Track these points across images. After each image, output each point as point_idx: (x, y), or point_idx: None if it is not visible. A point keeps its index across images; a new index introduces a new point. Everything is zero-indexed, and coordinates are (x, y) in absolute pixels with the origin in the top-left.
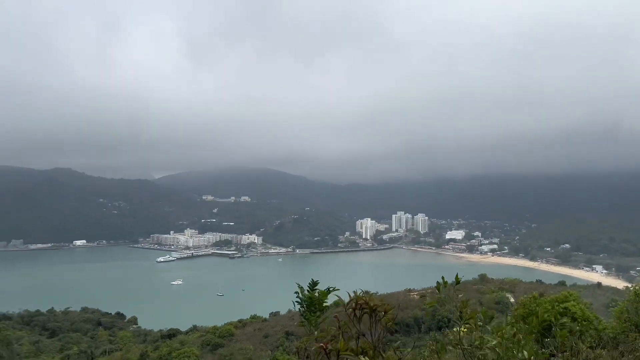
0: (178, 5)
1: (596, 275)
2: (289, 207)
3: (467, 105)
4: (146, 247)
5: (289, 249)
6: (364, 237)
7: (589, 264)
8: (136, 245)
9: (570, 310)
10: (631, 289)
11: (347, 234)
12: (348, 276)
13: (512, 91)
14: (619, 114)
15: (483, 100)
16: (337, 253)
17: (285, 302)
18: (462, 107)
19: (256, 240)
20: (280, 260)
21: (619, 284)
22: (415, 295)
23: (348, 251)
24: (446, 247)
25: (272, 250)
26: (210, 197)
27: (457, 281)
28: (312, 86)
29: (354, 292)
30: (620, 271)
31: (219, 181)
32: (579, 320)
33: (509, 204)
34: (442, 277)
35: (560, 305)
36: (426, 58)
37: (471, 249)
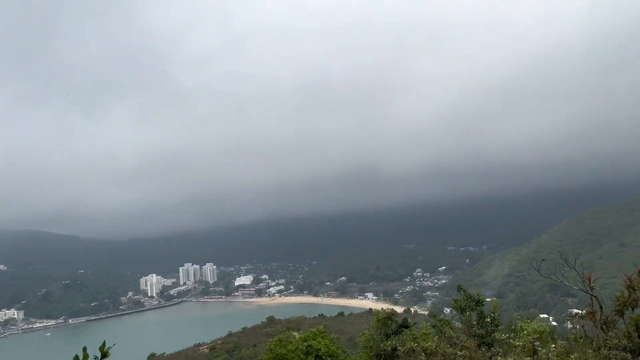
0: None
1: (369, 302)
2: (58, 272)
3: (253, 154)
4: None
5: (60, 320)
6: (149, 294)
7: (362, 292)
8: None
9: (314, 347)
10: (374, 316)
11: (130, 294)
12: (133, 341)
13: (294, 140)
14: (378, 160)
15: (268, 149)
16: (119, 317)
17: None
18: (248, 156)
19: (16, 316)
20: (48, 334)
21: (387, 307)
22: (205, 349)
23: (132, 313)
24: (236, 294)
25: (38, 325)
26: None
27: (104, 353)
28: (92, 136)
29: None
30: (387, 295)
31: None
32: (324, 357)
33: (292, 245)
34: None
35: (304, 343)
36: (215, 107)
37: (260, 293)
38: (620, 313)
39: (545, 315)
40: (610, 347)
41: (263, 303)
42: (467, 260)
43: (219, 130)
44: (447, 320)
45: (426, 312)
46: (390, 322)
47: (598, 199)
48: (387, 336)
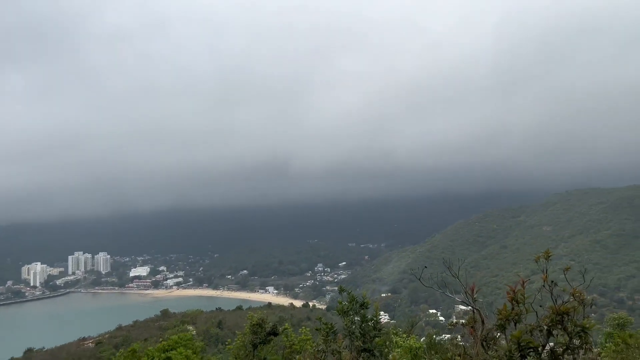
0: None
1: (269, 296)
2: None
3: (161, 140)
4: None
5: None
6: (32, 284)
7: (263, 286)
8: None
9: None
10: (248, 321)
11: (10, 283)
12: (8, 334)
13: (206, 129)
14: (290, 155)
15: (178, 136)
16: None
17: None
18: (156, 141)
19: None
20: None
21: (287, 301)
22: (90, 344)
23: (10, 303)
24: (130, 285)
25: None
26: None
27: None
28: None
29: None
30: (287, 290)
31: None
32: None
33: (194, 237)
34: None
35: (162, 355)
36: (126, 88)
37: (157, 285)
38: (502, 328)
39: (434, 311)
40: None
41: (159, 295)
42: (366, 257)
43: (127, 112)
44: (331, 324)
45: (324, 306)
46: (260, 329)
47: (487, 204)
48: (255, 346)
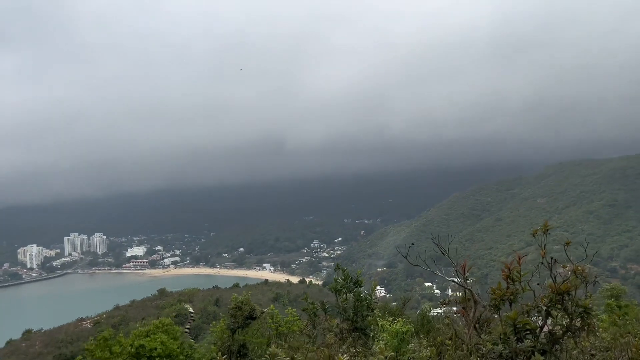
0: None
1: (266, 273)
2: None
3: (155, 118)
4: None
5: None
6: (29, 266)
7: (260, 263)
8: None
9: (146, 347)
10: (232, 303)
11: (6, 265)
12: (6, 315)
13: (201, 106)
14: (286, 131)
15: (172, 114)
16: None
17: None
18: (150, 120)
19: None
20: None
21: (283, 277)
22: (88, 324)
23: (7, 286)
24: (127, 265)
25: None
26: None
27: None
28: None
29: None
30: (284, 266)
31: None
32: (158, 359)
33: (190, 215)
34: None
35: (136, 342)
36: (120, 66)
37: (153, 264)
38: (497, 309)
39: (429, 284)
40: (483, 355)
41: (157, 275)
42: (362, 232)
43: (121, 91)
44: (321, 303)
45: (321, 282)
46: (239, 312)
47: (482, 177)
48: (233, 331)
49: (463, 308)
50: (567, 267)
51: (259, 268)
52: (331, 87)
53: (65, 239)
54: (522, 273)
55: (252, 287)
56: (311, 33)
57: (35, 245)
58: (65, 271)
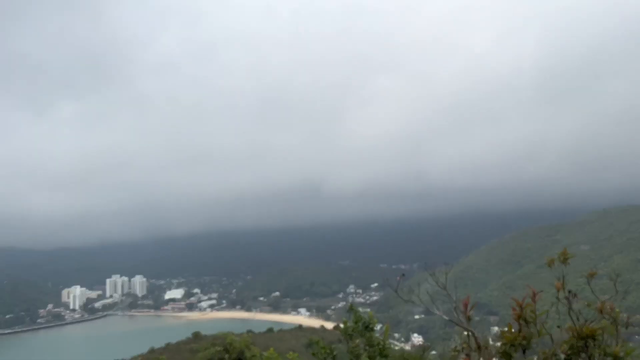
0: None
1: (301, 318)
2: None
3: (199, 163)
4: None
5: None
6: (71, 307)
7: (295, 308)
8: None
9: None
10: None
11: (50, 306)
12: (48, 356)
13: (244, 152)
14: (324, 177)
15: (216, 160)
16: (36, 330)
17: None
18: (194, 165)
19: None
20: None
21: (318, 323)
22: None
23: (51, 326)
24: (165, 307)
25: None
26: None
27: None
28: (37, 136)
29: None
30: (319, 311)
31: None
32: None
33: (227, 259)
34: None
35: None
36: (172, 114)
37: (191, 307)
38: (507, 356)
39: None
40: None
41: (193, 318)
42: (398, 278)
43: (169, 137)
44: (330, 348)
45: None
46: (226, 355)
47: (522, 223)
48: None
49: (466, 355)
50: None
51: (294, 313)
52: (370, 133)
53: (107, 280)
54: (537, 313)
55: (286, 332)
56: (354, 80)
57: (78, 287)
58: (105, 312)
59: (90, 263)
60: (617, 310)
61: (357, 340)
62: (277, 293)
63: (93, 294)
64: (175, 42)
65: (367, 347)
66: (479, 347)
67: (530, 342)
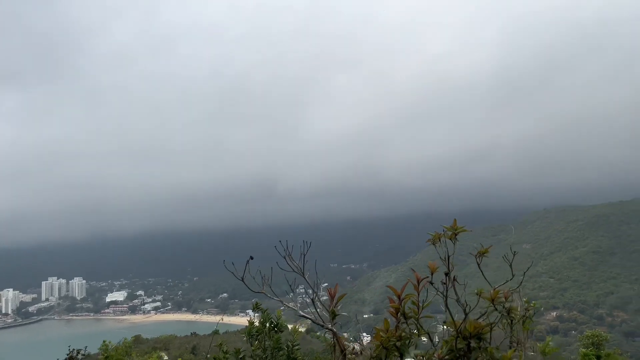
0: None
1: (249, 319)
2: None
3: (152, 160)
4: None
5: None
6: (4, 312)
7: (244, 309)
8: None
9: None
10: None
11: None
12: None
13: (197, 149)
14: (278, 176)
15: (167, 156)
16: None
17: None
18: (143, 161)
19: None
20: None
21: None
22: None
23: None
24: (106, 311)
25: None
26: None
27: None
28: None
29: None
30: (271, 311)
31: None
32: None
33: (174, 260)
34: None
35: None
36: (124, 109)
37: (134, 310)
38: None
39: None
40: None
41: (136, 321)
42: (348, 277)
43: (121, 132)
44: (236, 351)
45: (304, 329)
46: None
47: (470, 222)
48: None
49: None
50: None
51: (242, 314)
52: (327, 131)
53: (43, 283)
54: (422, 304)
55: (232, 334)
56: (314, 77)
57: (11, 290)
58: (40, 317)
59: (26, 265)
60: (513, 302)
61: (266, 343)
62: (225, 294)
63: (27, 298)
64: (132, 34)
65: (273, 351)
66: (342, 351)
67: (407, 343)
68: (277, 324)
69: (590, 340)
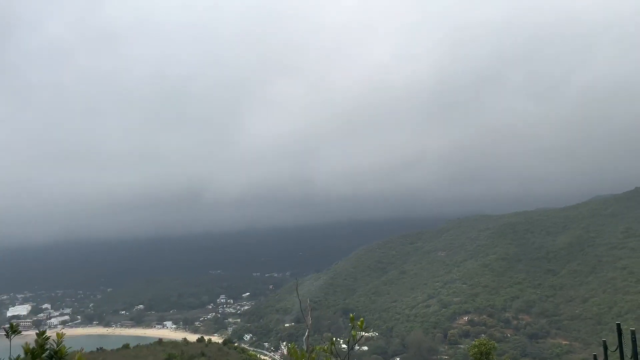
0: None
1: (167, 332)
2: None
3: (76, 162)
4: None
5: None
6: None
7: (161, 321)
8: None
9: None
10: None
11: None
12: None
13: (131, 153)
14: (206, 183)
15: (100, 160)
16: None
17: None
18: (69, 164)
19: None
20: None
21: (185, 336)
22: None
23: None
24: (6, 326)
25: None
26: None
27: None
28: None
29: None
30: (186, 324)
31: None
32: None
33: (85, 271)
34: None
35: None
36: (54, 108)
37: (38, 325)
38: None
39: (338, 339)
40: None
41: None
42: (271, 286)
43: (47, 132)
44: None
45: (221, 340)
46: None
47: (391, 231)
48: None
49: None
50: None
51: (159, 326)
52: (263, 138)
53: None
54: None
55: (144, 347)
56: (254, 82)
57: None
58: None
59: None
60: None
61: None
62: (141, 306)
63: None
64: (69, 28)
65: None
66: None
67: None
68: (57, 349)
69: (478, 349)
